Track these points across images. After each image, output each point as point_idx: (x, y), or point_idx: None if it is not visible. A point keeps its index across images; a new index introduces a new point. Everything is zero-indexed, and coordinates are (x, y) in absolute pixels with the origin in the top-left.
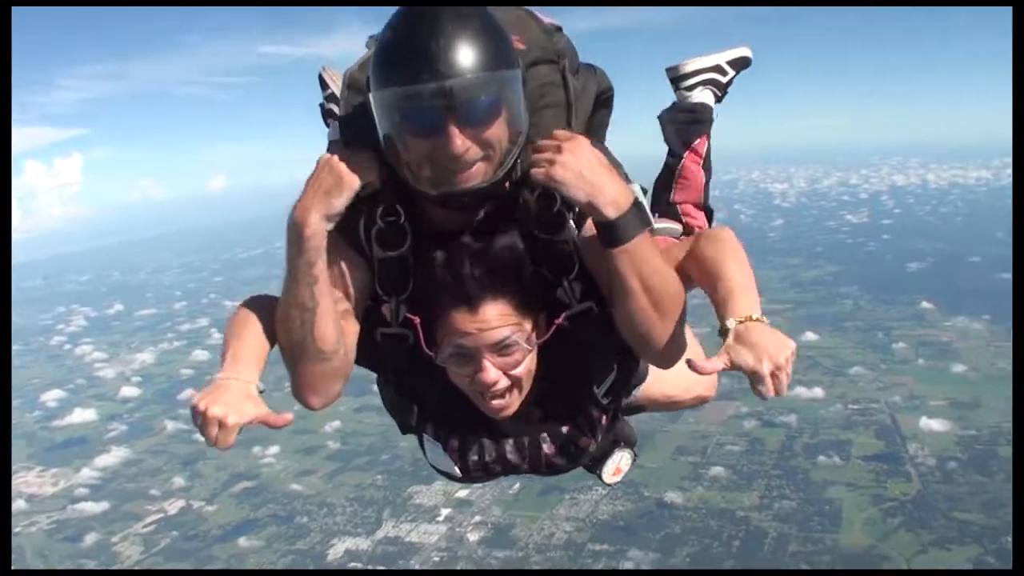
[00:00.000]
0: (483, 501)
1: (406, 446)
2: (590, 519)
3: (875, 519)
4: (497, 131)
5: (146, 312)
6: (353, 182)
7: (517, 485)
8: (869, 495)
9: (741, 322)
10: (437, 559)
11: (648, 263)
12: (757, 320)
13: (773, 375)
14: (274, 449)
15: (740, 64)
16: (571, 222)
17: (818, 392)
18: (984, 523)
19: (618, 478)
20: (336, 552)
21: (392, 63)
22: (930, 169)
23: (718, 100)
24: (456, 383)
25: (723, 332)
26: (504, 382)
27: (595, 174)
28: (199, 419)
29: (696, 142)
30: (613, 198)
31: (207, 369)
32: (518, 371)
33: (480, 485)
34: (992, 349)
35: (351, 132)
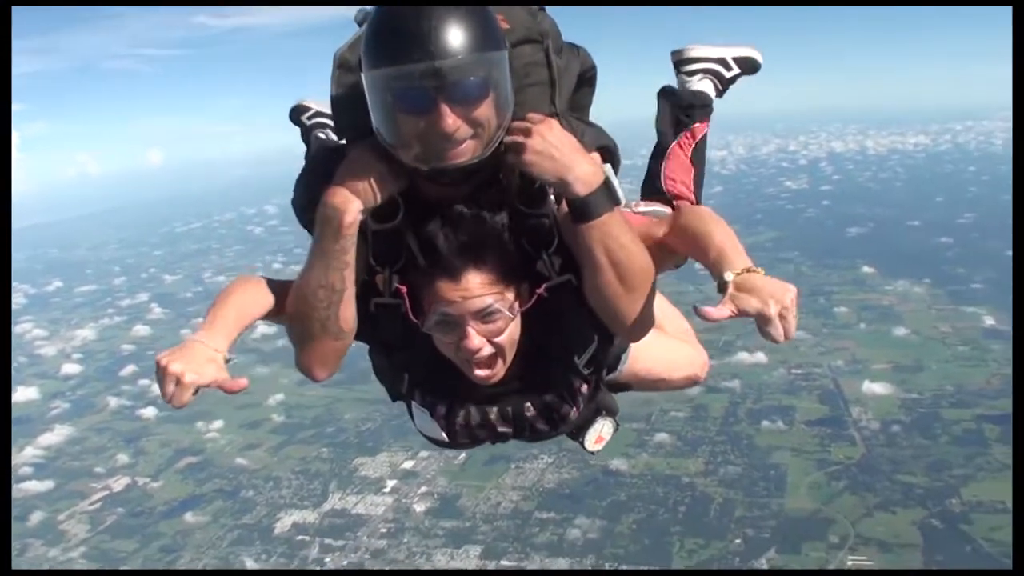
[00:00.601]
0: (429, 472)
1: (351, 418)
2: (536, 488)
3: (820, 483)
4: (486, 110)
5: (86, 288)
6: (392, 182)
7: (463, 455)
8: (813, 459)
9: (739, 273)
10: (384, 530)
11: (615, 239)
12: (754, 271)
13: (781, 316)
14: (218, 424)
15: (746, 65)
16: (551, 198)
17: (760, 357)
18: (928, 485)
19: (600, 446)
20: (283, 525)
21: (384, 44)
22: (869, 135)
23: (718, 94)
24: (443, 351)
25: (722, 286)
26: (488, 349)
27: (564, 154)
28: (159, 374)
29: (696, 125)
30: (582, 176)
31: (148, 344)
32: (501, 339)
33: (426, 455)
34: (933, 312)
35: (343, 112)
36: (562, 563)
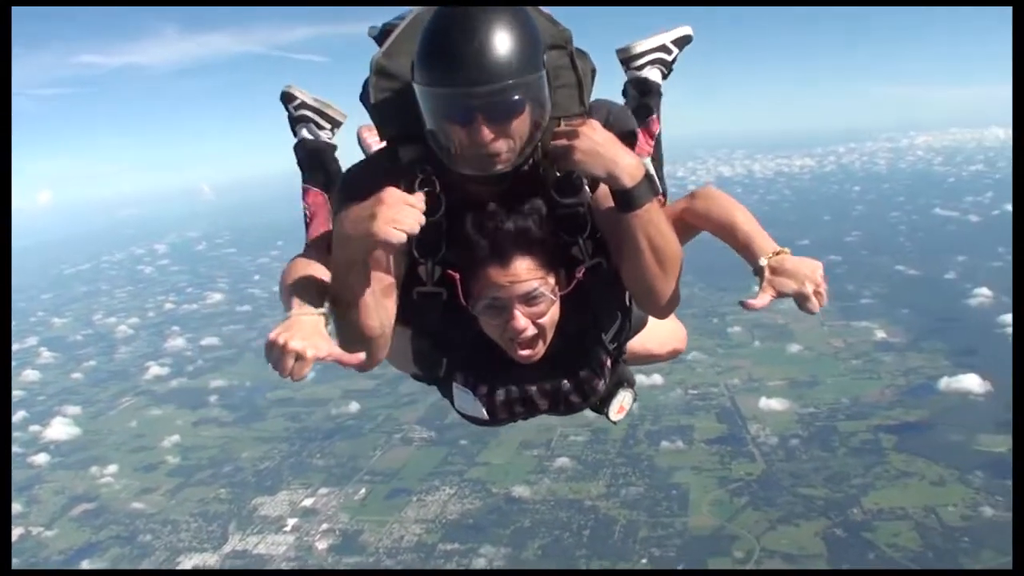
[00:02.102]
0: (329, 508)
1: (248, 457)
2: (439, 519)
3: (722, 500)
4: (520, 125)
5: None
6: (396, 239)
7: (363, 491)
8: (714, 477)
9: (771, 257)
10: (287, 569)
11: (656, 226)
12: (782, 252)
13: (816, 293)
14: (112, 468)
15: (683, 42)
16: (586, 188)
17: (657, 379)
18: (829, 497)
19: (622, 415)
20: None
21: (432, 65)
22: (756, 160)
23: (664, 77)
24: (488, 332)
25: (758, 271)
26: (532, 330)
27: (609, 151)
28: (276, 352)
29: (649, 119)
30: (628, 170)
31: (38, 389)
32: (544, 320)
33: (325, 492)
34: (826, 328)
35: (386, 117)
36: None
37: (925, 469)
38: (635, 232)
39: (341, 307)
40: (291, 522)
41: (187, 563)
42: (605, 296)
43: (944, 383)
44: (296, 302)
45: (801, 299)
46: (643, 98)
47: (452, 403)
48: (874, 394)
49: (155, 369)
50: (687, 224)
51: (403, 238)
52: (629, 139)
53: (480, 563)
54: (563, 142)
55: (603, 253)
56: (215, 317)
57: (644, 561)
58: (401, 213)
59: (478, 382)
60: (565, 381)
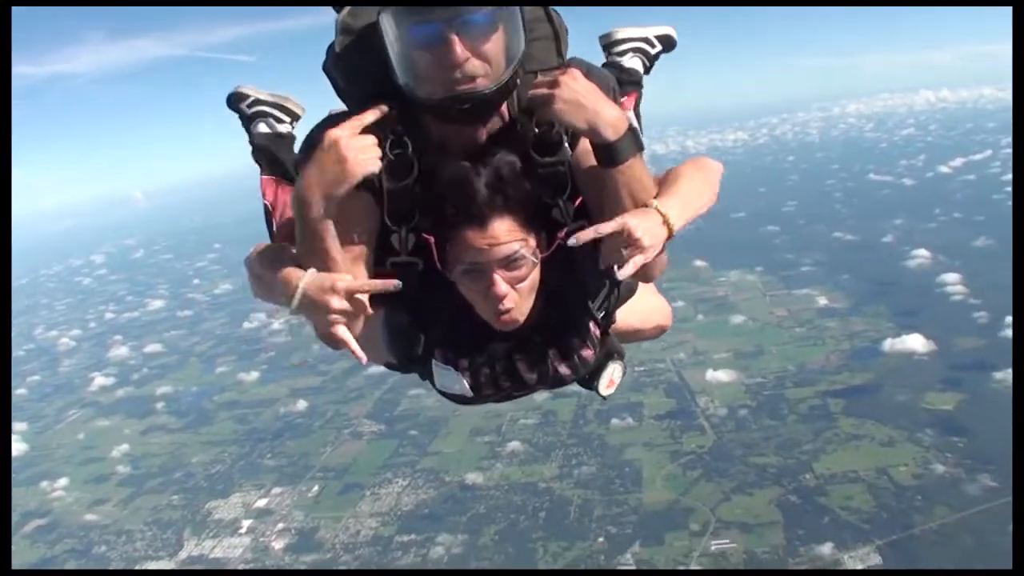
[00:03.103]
0: (283, 508)
1: (198, 461)
2: (394, 512)
3: (675, 474)
4: (494, 48)
5: None
6: (357, 172)
7: (316, 488)
8: (666, 452)
9: (659, 210)
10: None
11: (639, 182)
12: (659, 211)
13: (631, 242)
14: (63, 481)
15: (666, 43)
16: (566, 145)
17: None
18: (781, 464)
19: (612, 389)
20: None
21: None
22: (688, 136)
23: (646, 71)
24: (468, 298)
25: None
26: (513, 295)
27: (592, 101)
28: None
29: (623, 99)
30: (611, 122)
31: None
32: (524, 284)
33: (279, 492)
34: (768, 298)
35: (353, 76)
36: None
37: (874, 431)
38: (618, 189)
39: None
40: (246, 524)
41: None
42: (589, 261)
43: (888, 345)
44: (289, 272)
45: (620, 234)
46: (624, 84)
47: (433, 383)
48: (819, 360)
49: (100, 380)
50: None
51: (369, 168)
52: (611, 95)
53: (438, 552)
54: (542, 91)
55: (586, 215)
56: (157, 324)
57: (601, 540)
58: (359, 144)
59: (459, 356)
60: (552, 349)
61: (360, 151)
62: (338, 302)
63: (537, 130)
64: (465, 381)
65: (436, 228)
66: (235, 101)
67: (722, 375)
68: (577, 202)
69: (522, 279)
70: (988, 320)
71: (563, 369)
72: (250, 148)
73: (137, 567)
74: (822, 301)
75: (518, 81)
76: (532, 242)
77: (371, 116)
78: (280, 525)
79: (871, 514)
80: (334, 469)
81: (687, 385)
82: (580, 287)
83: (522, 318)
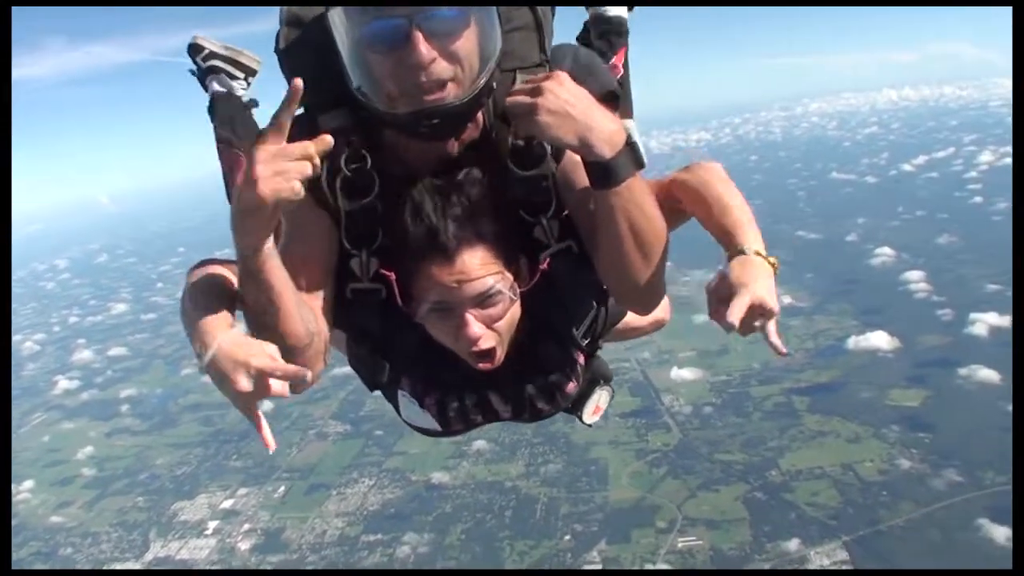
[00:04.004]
0: (249, 509)
1: (163, 463)
2: (360, 511)
3: (641, 472)
4: (466, 44)
5: None
6: (267, 199)
7: (282, 489)
8: (632, 450)
9: (758, 253)
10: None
11: (638, 205)
12: (762, 256)
13: (752, 310)
14: (28, 484)
15: None
16: (549, 156)
17: None
18: (747, 461)
19: (597, 417)
20: None
21: None
22: (651, 136)
23: (630, 9)
24: (437, 338)
25: (733, 256)
26: (490, 335)
27: (582, 112)
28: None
29: (613, 58)
30: (606, 136)
31: None
32: (502, 324)
33: (244, 492)
34: None
35: (292, 69)
36: None
37: (840, 427)
38: (613, 213)
39: (254, 313)
40: (212, 525)
41: None
42: (576, 285)
43: (852, 342)
44: (211, 323)
45: (737, 298)
46: (603, 37)
47: (398, 412)
48: (784, 358)
49: (64, 383)
50: (674, 203)
51: (283, 196)
52: (608, 100)
53: (404, 551)
54: (523, 100)
55: (572, 234)
56: (120, 328)
57: (567, 538)
58: (277, 165)
59: (426, 390)
60: (530, 385)
61: (275, 172)
62: (246, 382)
63: (515, 141)
64: (432, 417)
65: (397, 259)
66: (192, 53)
67: (687, 373)
68: (563, 214)
69: (499, 317)
70: (952, 317)
71: (542, 404)
72: (207, 109)
73: (104, 568)
74: (786, 300)
75: (494, 84)
76: (509, 274)
77: (287, 116)
78: (246, 526)
79: (837, 510)
80: (300, 470)
81: (652, 384)
82: (564, 313)
83: (501, 359)
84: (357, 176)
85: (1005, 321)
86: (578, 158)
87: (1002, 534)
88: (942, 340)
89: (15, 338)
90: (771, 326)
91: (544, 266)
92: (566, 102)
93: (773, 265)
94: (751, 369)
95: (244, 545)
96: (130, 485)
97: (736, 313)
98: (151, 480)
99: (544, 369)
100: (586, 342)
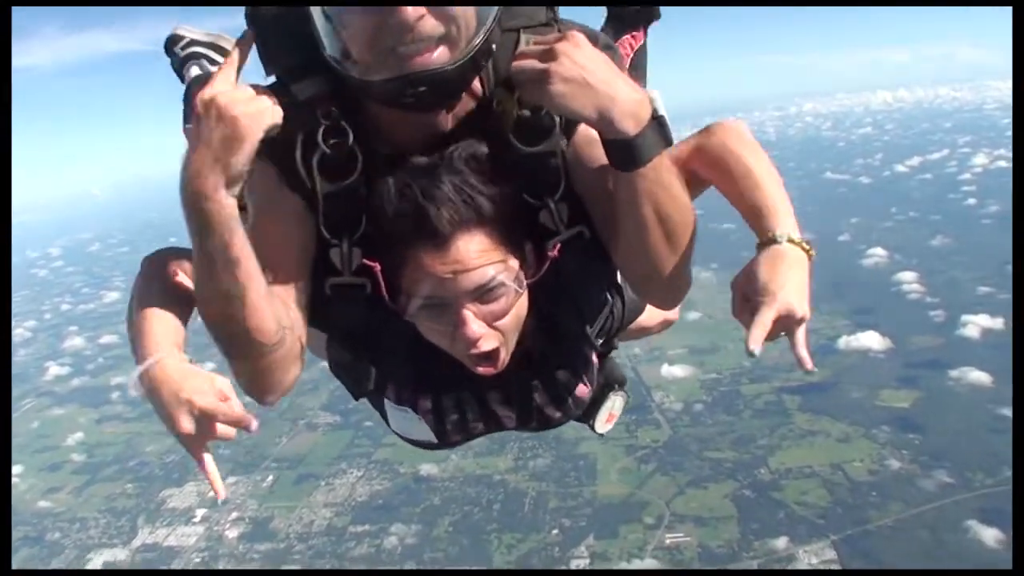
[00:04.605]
0: (238, 497)
1: (153, 450)
2: (348, 502)
3: (630, 468)
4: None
5: None
6: (254, 128)
7: (271, 478)
8: (621, 446)
9: (791, 240)
10: (198, 560)
11: (666, 188)
12: (795, 243)
13: (779, 322)
14: (17, 469)
15: None
16: (558, 129)
17: None
18: (736, 459)
19: (610, 425)
20: (94, 566)
21: None
22: None
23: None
24: (430, 339)
25: (763, 244)
26: (491, 338)
27: (604, 80)
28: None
29: (635, 32)
30: (631, 109)
31: None
32: (506, 321)
33: (233, 481)
34: (723, 296)
35: (272, 40)
36: None
37: (830, 427)
38: (636, 196)
39: (215, 305)
40: (200, 512)
41: (97, 559)
42: (589, 276)
43: (844, 342)
44: (156, 338)
45: (762, 302)
46: (638, 13)
47: (387, 422)
48: (775, 357)
49: (55, 369)
50: (696, 174)
51: (267, 120)
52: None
53: (392, 542)
54: (532, 64)
55: (583, 218)
56: (112, 316)
57: (555, 532)
58: (243, 94)
59: (419, 395)
60: (538, 390)
61: (248, 101)
62: (188, 423)
63: (520, 112)
64: (427, 427)
65: (383, 249)
66: (170, 45)
67: (678, 370)
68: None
69: (502, 313)
70: (944, 318)
71: (552, 412)
72: (183, 97)
73: (90, 555)
74: None
75: (494, 45)
76: (514, 263)
77: (262, 90)
78: (234, 514)
79: (826, 509)
80: (289, 459)
81: (642, 380)
82: (576, 310)
83: (506, 362)
84: (337, 153)
85: (997, 323)
86: (592, 131)
87: (991, 536)
88: (934, 341)
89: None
90: (799, 335)
91: (554, 253)
92: (583, 68)
93: (808, 252)
94: (742, 367)
95: (232, 533)
96: (119, 472)
97: (758, 336)
98: (140, 467)
99: (555, 371)
100: (600, 341)
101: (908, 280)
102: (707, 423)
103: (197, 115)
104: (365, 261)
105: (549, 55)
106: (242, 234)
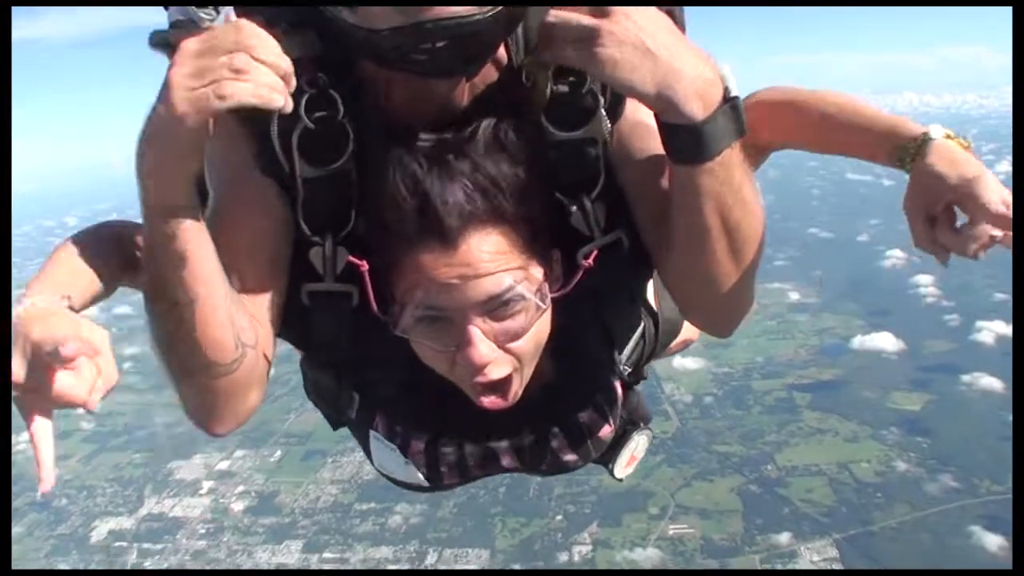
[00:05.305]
0: (245, 471)
1: (162, 422)
2: (355, 479)
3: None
4: None
5: None
6: (192, 114)
7: (278, 453)
8: None
9: (949, 136)
10: (203, 531)
11: (735, 188)
12: (964, 145)
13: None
14: (26, 436)
15: None
16: (603, 111)
17: None
18: (744, 454)
19: (631, 469)
20: (99, 533)
21: None
22: None
23: None
24: (427, 362)
25: (917, 150)
26: (503, 364)
27: (668, 47)
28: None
29: None
30: (699, 87)
31: None
32: (522, 344)
33: (241, 455)
34: None
35: None
36: (385, 551)
37: (839, 426)
38: (698, 200)
39: (159, 304)
40: (207, 485)
41: (103, 527)
42: (623, 292)
43: (858, 342)
44: (38, 282)
45: (978, 210)
46: None
47: (370, 459)
48: (788, 353)
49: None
50: (755, 154)
51: (214, 105)
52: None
53: (396, 520)
54: (578, 19)
55: (623, 221)
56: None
57: (559, 518)
58: (209, 61)
59: (410, 433)
60: (556, 429)
61: (198, 72)
62: (18, 365)
63: (556, 87)
64: (416, 470)
65: (373, 247)
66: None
67: (690, 363)
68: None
69: (518, 334)
70: (959, 323)
71: (569, 457)
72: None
73: (96, 523)
74: (794, 296)
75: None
76: (536, 271)
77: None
78: (240, 488)
79: (831, 508)
80: (297, 435)
81: (654, 370)
82: (605, 332)
83: (518, 394)
84: (324, 129)
85: (1012, 330)
86: (643, 116)
87: (994, 542)
88: (947, 346)
89: (19, 292)
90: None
91: (589, 263)
92: (643, 30)
93: (967, 147)
94: (754, 363)
95: (238, 506)
96: (128, 442)
97: (1003, 213)
98: (149, 438)
99: (574, 406)
100: (628, 372)
101: (925, 283)
102: (716, 416)
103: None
104: (350, 259)
105: (600, 10)
106: (198, 232)
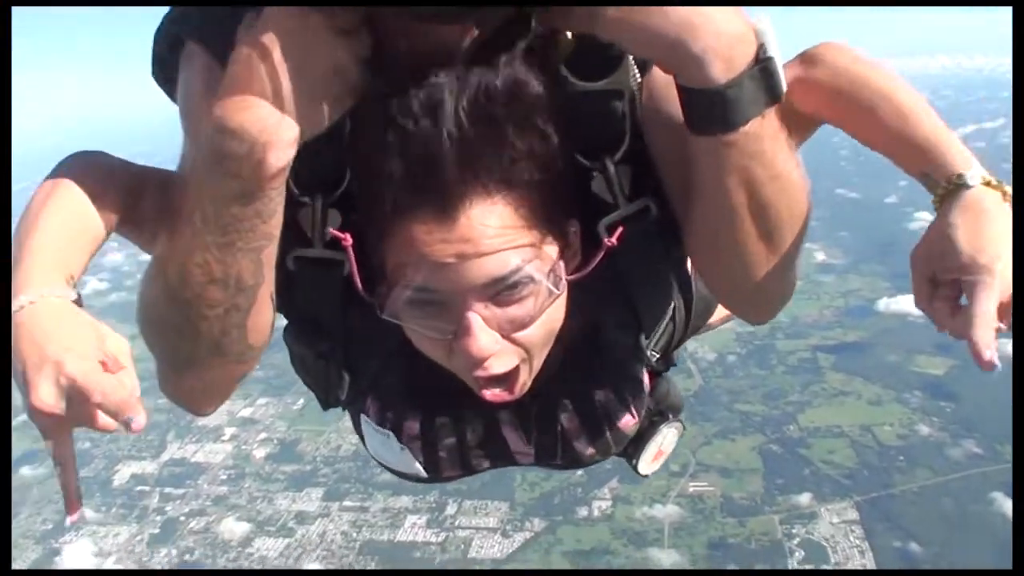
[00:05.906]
0: (267, 418)
1: None
2: None
3: None
4: None
5: None
6: (348, 69)
7: (301, 401)
8: None
9: (987, 184)
10: (224, 477)
11: (767, 164)
12: (994, 186)
13: (1003, 308)
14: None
15: None
16: (629, 60)
17: None
18: (766, 413)
19: (657, 465)
20: (122, 477)
21: None
22: None
23: None
24: (421, 349)
25: (947, 193)
26: (507, 357)
27: None
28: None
29: None
30: (723, 43)
31: None
32: (530, 334)
33: (264, 402)
34: None
35: None
36: (405, 500)
37: (862, 388)
38: (722, 175)
39: (215, 288)
40: (229, 431)
41: (126, 471)
42: (652, 269)
43: (883, 304)
44: (38, 265)
45: (979, 281)
46: None
47: (364, 443)
48: (813, 314)
49: (93, 283)
50: (800, 116)
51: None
52: None
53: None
54: None
55: (652, 188)
56: None
57: (580, 473)
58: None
59: (405, 415)
60: (567, 403)
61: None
62: (49, 393)
63: (573, 35)
64: (414, 458)
65: (362, 215)
66: None
67: (714, 319)
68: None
69: (525, 322)
70: None
71: (586, 450)
72: None
73: (119, 466)
74: (820, 256)
75: None
76: (550, 250)
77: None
78: (263, 435)
79: (852, 470)
80: None
81: None
82: (631, 315)
83: (526, 386)
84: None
85: None
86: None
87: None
88: None
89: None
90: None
91: (613, 240)
92: None
93: (1006, 194)
94: (779, 323)
95: (259, 453)
96: (152, 386)
97: (988, 338)
98: None
99: (594, 395)
100: (657, 357)
101: None
102: (739, 376)
103: (276, 31)
104: (333, 232)
105: None
106: (282, 201)
